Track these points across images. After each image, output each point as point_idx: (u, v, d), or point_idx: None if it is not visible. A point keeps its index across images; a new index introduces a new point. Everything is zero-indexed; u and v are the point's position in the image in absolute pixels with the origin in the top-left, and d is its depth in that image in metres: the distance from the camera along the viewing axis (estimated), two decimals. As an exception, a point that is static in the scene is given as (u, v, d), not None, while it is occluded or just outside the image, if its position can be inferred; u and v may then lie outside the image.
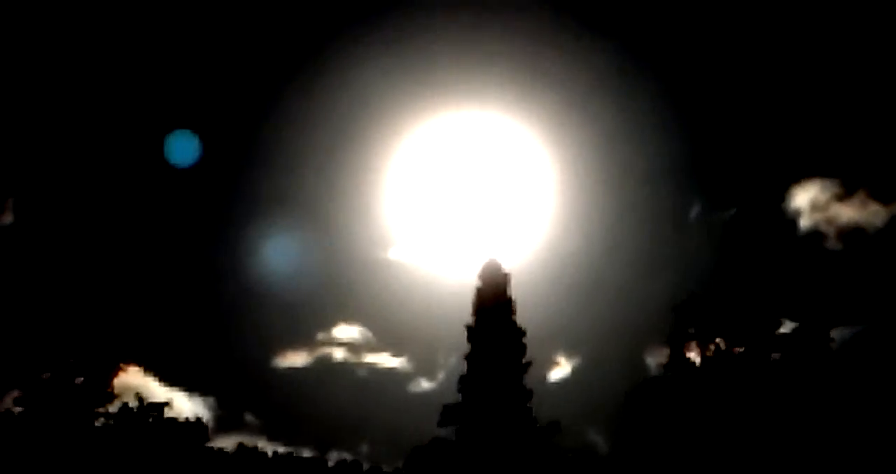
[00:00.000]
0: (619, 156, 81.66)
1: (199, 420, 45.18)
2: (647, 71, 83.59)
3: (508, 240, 65.57)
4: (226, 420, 59.41)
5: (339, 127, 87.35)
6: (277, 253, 69.72)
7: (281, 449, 49.44)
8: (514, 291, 46.53)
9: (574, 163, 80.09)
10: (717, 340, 40.04)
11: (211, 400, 57.36)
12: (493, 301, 45.94)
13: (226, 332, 72.57)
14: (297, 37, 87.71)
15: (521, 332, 45.44)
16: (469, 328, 45.55)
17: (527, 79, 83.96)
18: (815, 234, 57.74)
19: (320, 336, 76.07)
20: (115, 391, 43.53)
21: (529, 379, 45.09)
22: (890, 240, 57.48)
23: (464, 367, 44.93)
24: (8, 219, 57.57)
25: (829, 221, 52.29)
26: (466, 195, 77.19)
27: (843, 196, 63.45)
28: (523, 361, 44.98)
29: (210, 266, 78.62)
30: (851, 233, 60.41)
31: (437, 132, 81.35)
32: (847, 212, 62.37)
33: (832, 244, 59.85)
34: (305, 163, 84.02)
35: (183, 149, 71.59)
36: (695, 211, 75.29)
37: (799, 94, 76.04)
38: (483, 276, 46.56)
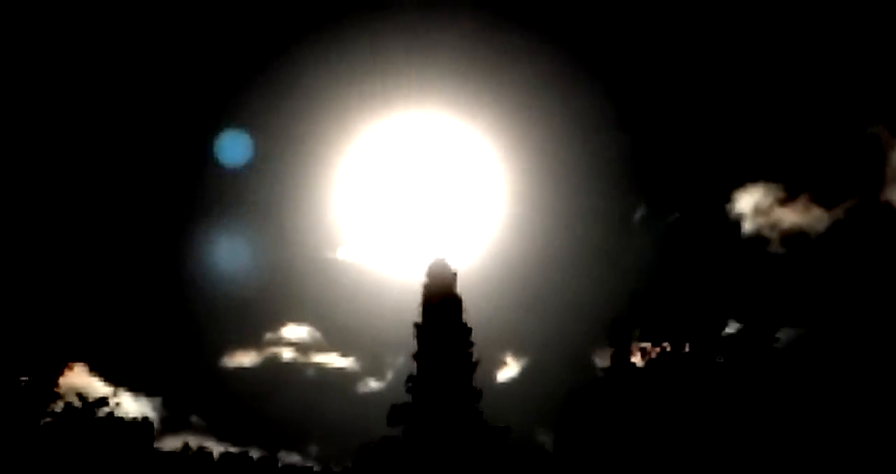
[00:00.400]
0: (566, 159, 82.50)
1: (145, 419, 44.84)
2: (594, 75, 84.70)
3: (457, 240, 65.60)
4: (172, 420, 59.14)
5: (288, 127, 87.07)
6: (225, 252, 69.46)
7: (230, 450, 49.20)
8: (463, 291, 46.71)
9: (522, 164, 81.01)
10: (663, 343, 40.49)
11: (157, 400, 56.90)
12: (440, 298, 46.16)
13: (173, 332, 71.74)
14: (249, 38, 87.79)
15: (468, 330, 45.64)
16: (417, 326, 45.79)
17: (475, 80, 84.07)
18: (759, 238, 58.25)
19: (269, 336, 76.20)
20: (60, 390, 43.11)
21: (479, 380, 45.34)
22: (832, 243, 58.32)
23: (413, 367, 45.08)
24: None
25: (773, 226, 52.99)
26: (415, 196, 76.94)
27: (786, 200, 64.36)
28: (472, 360, 45.27)
29: (158, 265, 78.00)
30: (794, 237, 61.23)
31: (386, 133, 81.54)
32: (790, 216, 63.42)
33: (775, 248, 60.52)
34: (254, 163, 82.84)
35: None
36: (639, 214, 75.65)
37: (744, 98, 77.28)
38: (430, 274, 46.82)
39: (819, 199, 63.81)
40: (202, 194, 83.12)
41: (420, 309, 46.31)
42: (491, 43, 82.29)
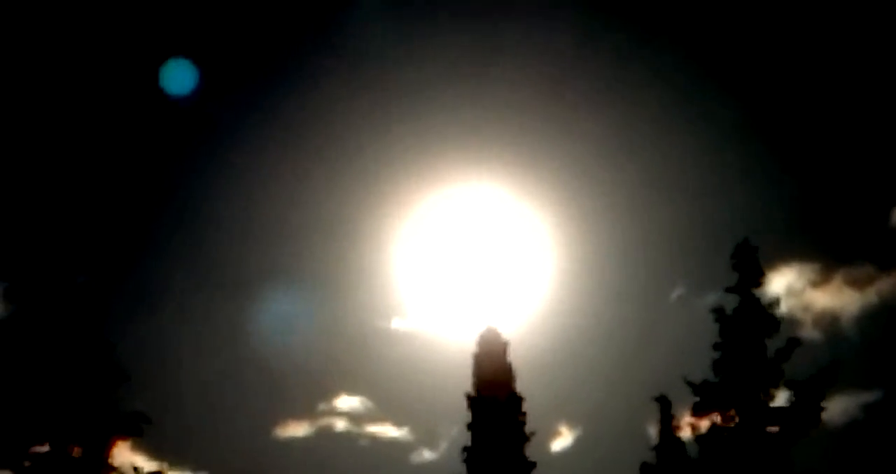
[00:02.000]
0: (613, 233, 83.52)
1: None
2: (636, 157, 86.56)
3: (507, 309, 66.13)
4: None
5: (342, 199, 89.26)
6: (278, 321, 70.11)
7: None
8: (515, 360, 47.13)
9: (571, 237, 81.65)
10: (714, 416, 40.51)
11: (204, 474, 57.32)
12: (493, 368, 46.52)
13: (222, 403, 72.78)
14: (305, 113, 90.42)
15: (521, 400, 46.13)
16: (469, 397, 46.13)
17: (527, 156, 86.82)
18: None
19: (321, 406, 76.16)
20: (113, 463, 43.71)
21: (534, 450, 45.66)
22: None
23: (467, 437, 45.53)
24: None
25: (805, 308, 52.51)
26: (468, 266, 77.97)
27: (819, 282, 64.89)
28: (524, 430, 45.61)
29: (208, 334, 79.04)
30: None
31: (440, 205, 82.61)
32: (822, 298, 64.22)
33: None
34: (309, 234, 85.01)
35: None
36: (676, 293, 76.02)
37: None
38: (481, 344, 47.17)
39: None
40: (258, 263, 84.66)
41: (472, 378, 46.65)
42: (546, 123, 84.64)
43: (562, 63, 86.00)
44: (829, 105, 79.59)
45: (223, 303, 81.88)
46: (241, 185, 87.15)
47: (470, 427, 45.70)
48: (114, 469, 43.19)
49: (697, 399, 41.15)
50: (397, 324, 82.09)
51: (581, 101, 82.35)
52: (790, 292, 58.56)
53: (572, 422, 67.86)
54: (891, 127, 76.09)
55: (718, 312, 41.46)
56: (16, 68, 73.35)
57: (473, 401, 46.06)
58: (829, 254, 68.65)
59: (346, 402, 76.09)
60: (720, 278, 43.27)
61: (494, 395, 45.95)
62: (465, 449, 45.26)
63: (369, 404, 76.05)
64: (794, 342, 41.01)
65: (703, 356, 41.12)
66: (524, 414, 46.11)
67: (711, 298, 63.76)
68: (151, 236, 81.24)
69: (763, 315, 40.92)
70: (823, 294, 66.47)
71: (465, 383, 47.04)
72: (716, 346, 41.35)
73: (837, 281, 68.19)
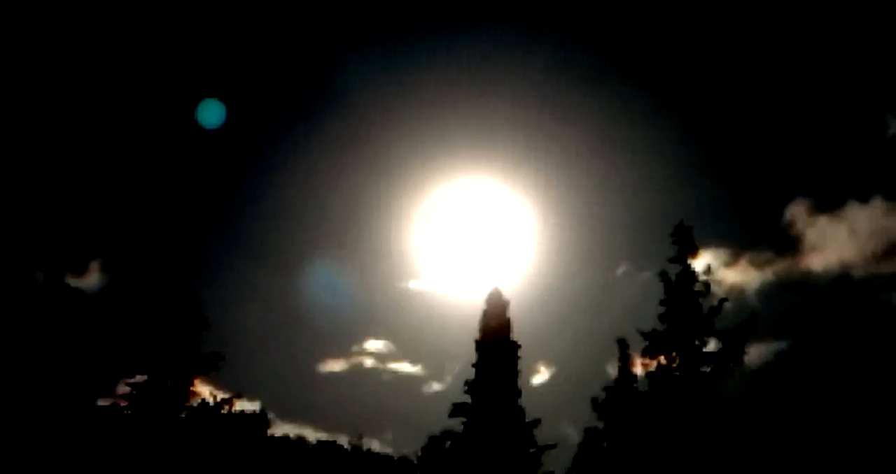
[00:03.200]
0: (581, 219, 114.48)
1: (262, 411, 57.07)
2: (596, 160, 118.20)
3: (503, 271, 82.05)
4: (278, 415, 72.29)
5: (370, 190, 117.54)
6: (321, 283, 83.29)
7: (323, 438, 61.70)
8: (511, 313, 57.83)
9: (550, 220, 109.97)
10: (659, 358, 50.90)
11: (265, 399, 69.75)
12: (496, 321, 57.09)
13: (277, 346, 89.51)
14: (336, 127, 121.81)
15: (517, 346, 56.69)
16: (477, 342, 56.54)
17: (517, 158, 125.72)
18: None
19: (354, 348, 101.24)
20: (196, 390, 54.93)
21: (519, 383, 56.15)
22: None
23: (470, 373, 56.12)
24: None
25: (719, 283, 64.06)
26: (472, 239, 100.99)
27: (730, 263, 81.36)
28: (517, 369, 56.30)
29: (269, 293, 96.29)
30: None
31: (449, 193, 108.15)
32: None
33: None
34: (345, 217, 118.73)
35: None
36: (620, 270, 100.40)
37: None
38: (488, 302, 57.66)
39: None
40: (310, 236, 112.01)
41: (479, 330, 56.90)
42: (530, 133, 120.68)
43: (538, 90, 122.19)
44: (747, 121, 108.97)
45: (280, 269, 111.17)
46: (288, 184, 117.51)
47: (475, 365, 55.93)
48: (196, 394, 54.59)
49: (647, 344, 51.39)
50: (414, 285, 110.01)
51: (555, 120, 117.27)
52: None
53: (548, 362, 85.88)
54: (787, 144, 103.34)
55: (664, 276, 51.70)
56: (115, 103, 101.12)
57: (480, 345, 56.36)
58: (737, 241, 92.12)
59: (373, 345, 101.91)
60: (655, 258, 54.90)
61: (496, 341, 56.40)
62: (468, 382, 55.58)
63: (391, 346, 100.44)
64: (724, 300, 51.37)
65: (647, 315, 52.06)
66: (518, 357, 56.39)
67: (648, 273, 77.87)
68: (224, 224, 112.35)
69: (698, 279, 51.40)
70: (733, 272, 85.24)
71: (465, 332, 57.71)
72: (661, 302, 51.59)
73: (743, 262, 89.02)
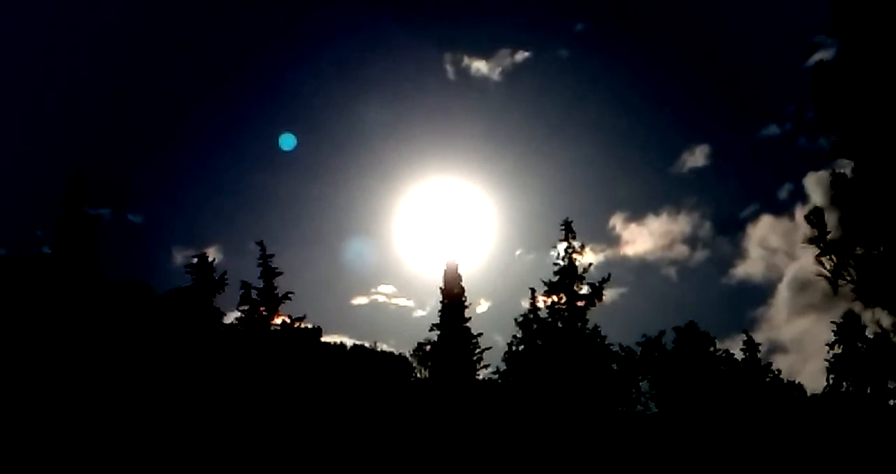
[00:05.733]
0: (524, 204, 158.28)
1: (317, 328, 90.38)
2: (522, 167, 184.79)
3: (463, 249, 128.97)
4: (327, 330, 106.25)
5: (372, 190, 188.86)
6: (353, 249, 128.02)
7: (354, 342, 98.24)
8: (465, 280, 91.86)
9: (503, 206, 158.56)
10: (553, 297, 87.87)
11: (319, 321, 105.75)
12: (452, 276, 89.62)
13: (326, 287, 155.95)
14: (356, 151, 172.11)
15: (463, 291, 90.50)
16: (441, 289, 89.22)
17: (479, 161, 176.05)
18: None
19: (372, 289, 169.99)
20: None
21: (468, 313, 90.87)
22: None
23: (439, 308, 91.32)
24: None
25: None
26: (441, 224, 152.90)
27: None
28: (465, 304, 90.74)
29: (321, 253, 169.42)
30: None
31: (425, 188, 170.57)
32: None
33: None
34: (363, 207, 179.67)
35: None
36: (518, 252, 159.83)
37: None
38: (448, 264, 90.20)
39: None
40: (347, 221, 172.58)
41: (443, 280, 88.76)
42: (485, 142, 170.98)
43: (495, 104, 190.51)
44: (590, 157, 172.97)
45: (330, 238, 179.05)
46: (335, 190, 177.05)
47: (441, 302, 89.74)
48: (278, 315, 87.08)
49: (546, 288, 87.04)
50: (406, 252, 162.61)
51: (505, 132, 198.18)
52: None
53: (487, 297, 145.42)
54: (610, 178, 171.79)
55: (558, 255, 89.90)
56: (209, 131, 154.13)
57: (443, 291, 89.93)
58: (585, 236, 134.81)
59: (384, 288, 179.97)
60: (542, 244, 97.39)
61: (452, 289, 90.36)
62: (440, 311, 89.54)
63: (394, 288, 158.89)
64: (590, 264, 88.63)
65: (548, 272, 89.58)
66: (465, 297, 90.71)
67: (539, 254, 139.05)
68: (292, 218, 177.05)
69: (577, 251, 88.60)
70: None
71: (438, 283, 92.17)
72: (554, 263, 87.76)
73: (588, 250, 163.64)
